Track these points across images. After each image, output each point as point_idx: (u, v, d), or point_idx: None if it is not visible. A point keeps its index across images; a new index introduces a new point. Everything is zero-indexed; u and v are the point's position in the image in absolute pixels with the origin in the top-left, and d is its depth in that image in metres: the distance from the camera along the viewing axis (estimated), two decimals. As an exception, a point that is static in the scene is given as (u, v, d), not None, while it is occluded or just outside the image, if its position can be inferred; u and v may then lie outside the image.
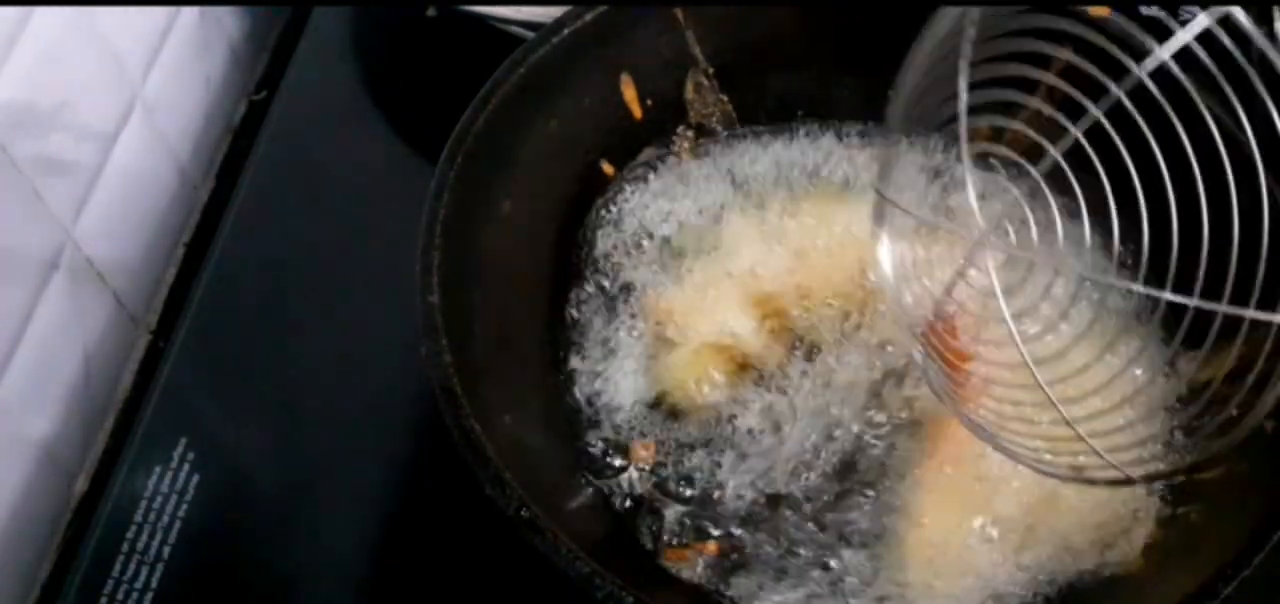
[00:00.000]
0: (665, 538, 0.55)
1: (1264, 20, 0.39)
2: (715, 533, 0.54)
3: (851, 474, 0.55)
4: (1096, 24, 0.43)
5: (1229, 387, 0.46)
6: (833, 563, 0.53)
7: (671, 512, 0.55)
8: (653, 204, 0.66)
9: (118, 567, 0.58)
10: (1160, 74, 0.42)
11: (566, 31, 0.62)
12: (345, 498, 0.61)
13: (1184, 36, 0.40)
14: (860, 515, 0.54)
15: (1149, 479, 0.46)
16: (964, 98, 0.42)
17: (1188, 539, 0.52)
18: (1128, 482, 0.45)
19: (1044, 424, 0.47)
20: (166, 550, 0.59)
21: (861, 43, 0.62)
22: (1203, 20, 0.40)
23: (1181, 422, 0.53)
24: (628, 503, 0.56)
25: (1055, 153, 0.44)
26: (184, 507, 0.60)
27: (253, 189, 0.74)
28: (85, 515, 0.62)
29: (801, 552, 0.53)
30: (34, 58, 0.62)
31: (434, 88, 0.78)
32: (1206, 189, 0.44)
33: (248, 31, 0.86)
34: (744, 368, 0.59)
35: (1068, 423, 0.45)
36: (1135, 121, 0.43)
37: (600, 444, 0.58)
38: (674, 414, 0.58)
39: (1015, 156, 0.47)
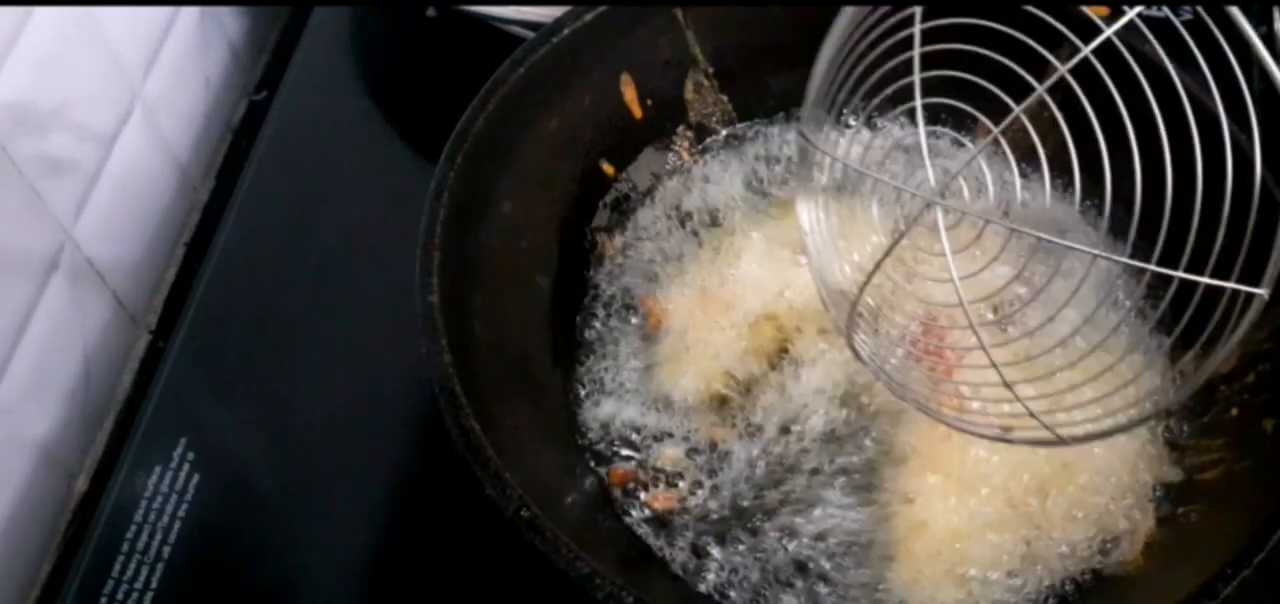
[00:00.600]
0: (669, 552, 0.55)
1: (1264, 20, 0.39)
2: (715, 542, 0.54)
3: (849, 475, 0.55)
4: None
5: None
6: (827, 566, 0.53)
7: (675, 515, 0.55)
8: (653, 204, 0.67)
9: (118, 567, 0.58)
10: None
11: (566, 31, 0.62)
12: (345, 498, 0.61)
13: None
14: (859, 518, 0.54)
15: (1081, 440, 0.46)
16: (918, 44, 0.43)
17: (1188, 539, 0.52)
18: (1059, 442, 0.46)
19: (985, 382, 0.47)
20: (166, 550, 0.59)
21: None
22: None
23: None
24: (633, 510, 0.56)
25: (1018, 110, 0.44)
26: (184, 507, 0.60)
27: (253, 189, 0.74)
28: (85, 515, 0.62)
29: (802, 553, 0.54)
30: (34, 58, 0.62)
31: (434, 88, 0.78)
32: (1172, 154, 0.44)
33: (248, 31, 0.86)
34: (744, 367, 0.59)
35: (1004, 382, 0.45)
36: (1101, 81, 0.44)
37: (601, 444, 0.58)
38: (674, 414, 0.58)
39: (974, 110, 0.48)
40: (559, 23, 0.63)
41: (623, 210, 0.67)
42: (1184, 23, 0.44)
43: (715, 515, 0.55)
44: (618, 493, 0.56)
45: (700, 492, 0.56)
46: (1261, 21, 0.39)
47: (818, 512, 0.54)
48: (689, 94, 0.68)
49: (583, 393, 0.60)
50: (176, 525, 0.60)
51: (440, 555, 0.59)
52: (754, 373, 0.59)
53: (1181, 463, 0.55)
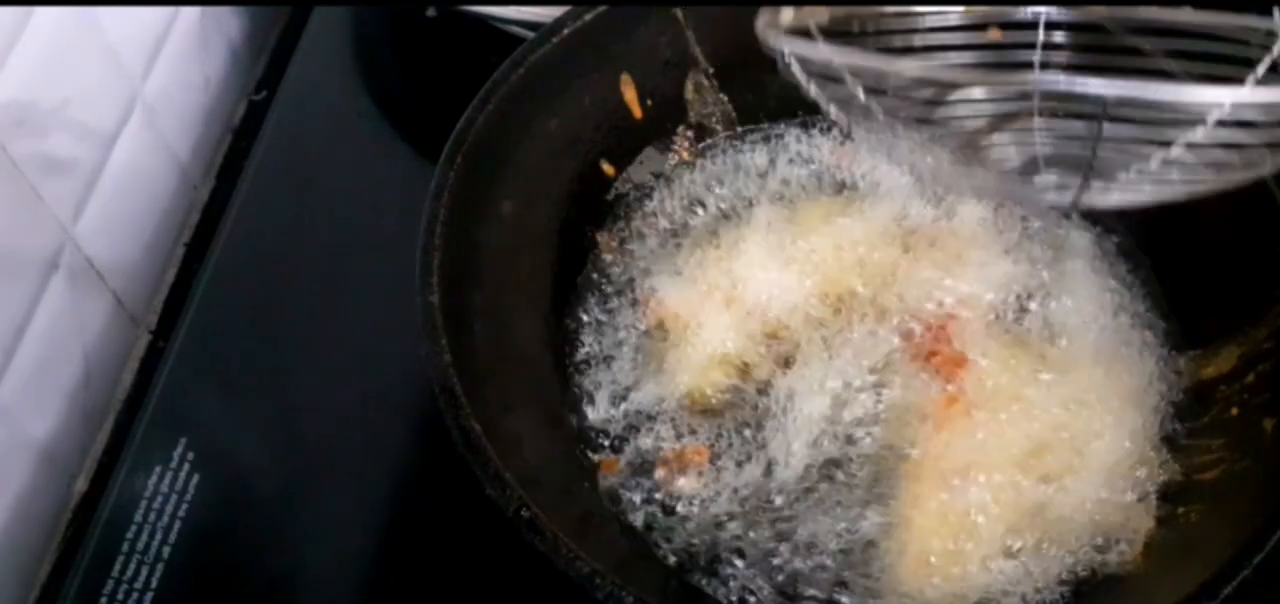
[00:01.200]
0: (667, 549, 0.55)
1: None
2: (716, 542, 0.54)
3: (848, 477, 0.55)
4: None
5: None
6: (828, 566, 0.53)
7: (675, 516, 0.55)
8: (653, 204, 0.67)
9: (118, 567, 0.58)
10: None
11: (566, 31, 0.62)
12: (345, 498, 0.61)
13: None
14: (860, 518, 0.54)
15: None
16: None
17: (1188, 539, 0.52)
18: None
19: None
20: (166, 550, 0.59)
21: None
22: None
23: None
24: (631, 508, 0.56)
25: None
26: (184, 507, 0.60)
27: (253, 189, 0.74)
28: (85, 515, 0.62)
29: (801, 553, 0.54)
30: (34, 58, 0.62)
31: (434, 88, 0.78)
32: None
33: (248, 31, 0.86)
34: (744, 369, 0.59)
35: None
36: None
37: (601, 443, 0.58)
38: (674, 413, 0.58)
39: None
40: (559, 23, 0.63)
41: (623, 210, 0.67)
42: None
43: (715, 515, 0.55)
44: (618, 493, 0.56)
45: (700, 492, 0.56)
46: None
47: (817, 513, 0.54)
48: (689, 94, 0.68)
49: (583, 393, 0.60)
50: (176, 525, 0.60)
51: (440, 555, 0.59)
52: (754, 373, 0.59)
53: (1181, 463, 0.55)
